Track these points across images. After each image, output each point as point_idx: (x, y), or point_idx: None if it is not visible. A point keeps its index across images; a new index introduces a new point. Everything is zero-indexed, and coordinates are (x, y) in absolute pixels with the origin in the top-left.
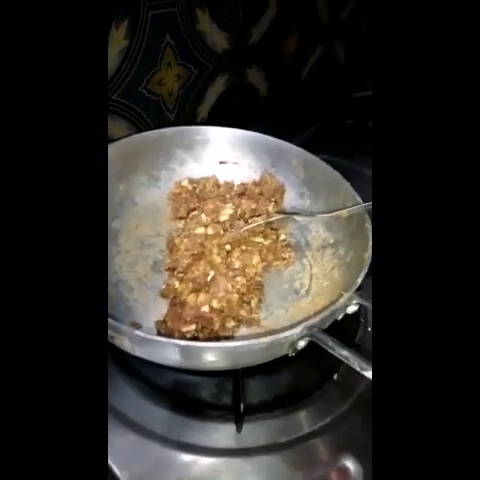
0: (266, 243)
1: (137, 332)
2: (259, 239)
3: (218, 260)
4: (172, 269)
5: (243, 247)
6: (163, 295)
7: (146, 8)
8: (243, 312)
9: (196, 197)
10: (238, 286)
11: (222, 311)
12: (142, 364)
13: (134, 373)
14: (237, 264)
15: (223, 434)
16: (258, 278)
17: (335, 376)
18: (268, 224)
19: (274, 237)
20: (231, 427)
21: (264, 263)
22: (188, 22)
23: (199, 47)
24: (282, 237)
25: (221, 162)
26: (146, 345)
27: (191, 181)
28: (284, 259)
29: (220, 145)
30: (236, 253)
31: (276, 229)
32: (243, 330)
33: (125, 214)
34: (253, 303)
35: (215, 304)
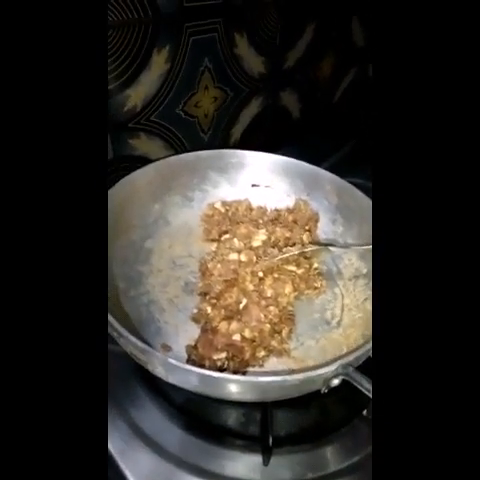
0: (299, 272)
1: (171, 360)
2: (292, 267)
3: (251, 287)
4: (204, 294)
5: (276, 275)
6: (195, 320)
7: (188, 34)
8: (274, 342)
9: (228, 220)
10: (271, 316)
11: (253, 341)
12: (171, 387)
13: (163, 395)
14: (269, 292)
15: (248, 465)
16: (289, 307)
17: (364, 412)
18: (301, 253)
19: (307, 266)
20: (256, 458)
21: (296, 292)
22: (226, 47)
23: (236, 71)
24: (315, 265)
25: (254, 185)
26: (178, 372)
27: (224, 203)
28: (316, 288)
29: (254, 169)
30: (269, 281)
31: (309, 258)
32: (273, 360)
33: (158, 234)
34: (284, 333)
35: (247, 333)
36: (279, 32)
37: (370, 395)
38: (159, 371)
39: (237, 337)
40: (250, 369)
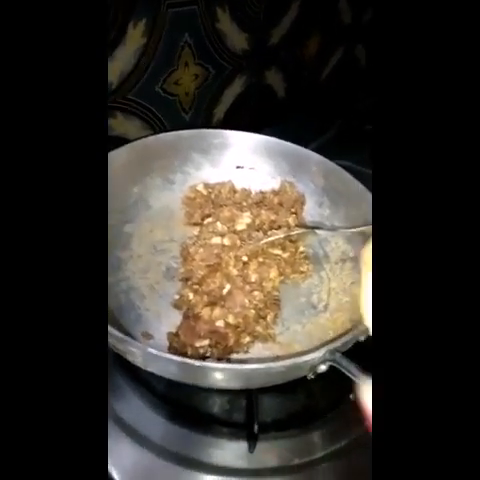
0: (285, 256)
1: (150, 350)
2: (277, 251)
3: (234, 272)
4: (186, 279)
5: (260, 259)
6: (176, 306)
7: (166, 6)
8: (259, 328)
9: (211, 203)
10: (255, 301)
11: (237, 327)
12: (154, 376)
13: (144, 384)
14: (254, 277)
15: (233, 453)
16: (275, 292)
17: (351, 396)
18: (287, 236)
19: (293, 250)
20: (242, 446)
21: (282, 277)
22: (208, 21)
23: (218, 47)
24: (301, 249)
25: (238, 167)
26: (158, 361)
27: (206, 186)
28: (302, 272)
29: (238, 150)
30: (253, 265)
31: (295, 241)
32: (258, 346)
33: (138, 218)
34: (269, 318)
35: (231, 320)
36: (263, 8)
37: (357, 380)
38: (139, 361)
39: (220, 323)
40: (234, 356)
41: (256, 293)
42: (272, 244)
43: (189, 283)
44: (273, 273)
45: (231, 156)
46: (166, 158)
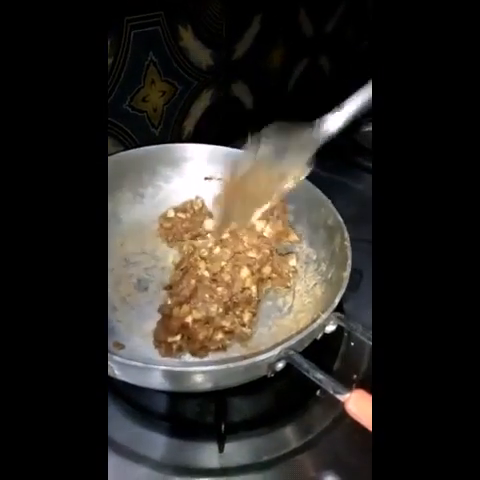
0: (258, 257)
1: (116, 357)
2: (252, 254)
3: (206, 274)
4: (169, 287)
5: (235, 262)
6: (160, 313)
7: (129, 27)
8: (226, 323)
9: (188, 221)
10: (217, 295)
11: (206, 322)
12: (125, 384)
13: (116, 391)
14: (227, 278)
15: (206, 454)
16: (249, 292)
17: (318, 392)
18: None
19: (267, 251)
20: (214, 447)
21: (254, 276)
22: (171, 40)
23: (183, 64)
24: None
25: (206, 178)
26: (126, 369)
27: (176, 210)
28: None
29: (204, 161)
30: (227, 268)
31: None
32: (236, 346)
33: (110, 232)
34: (246, 317)
35: (195, 314)
36: (225, 24)
37: (310, 377)
38: (111, 371)
39: (189, 319)
40: (210, 358)
41: (219, 289)
42: (245, 248)
43: (169, 290)
44: (244, 273)
45: (198, 168)
46: (136, 173)
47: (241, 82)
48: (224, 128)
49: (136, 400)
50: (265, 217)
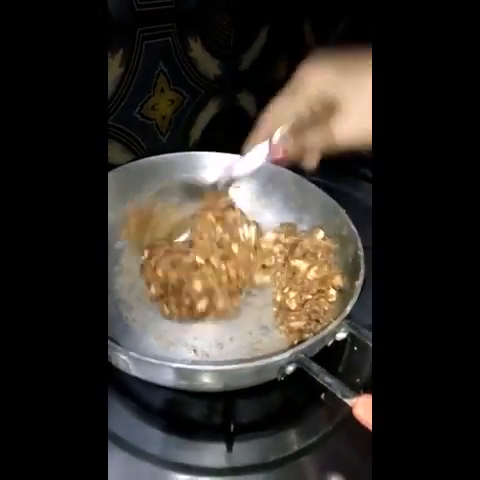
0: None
1: (132, 353)
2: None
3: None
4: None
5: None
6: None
7: (141, 38)
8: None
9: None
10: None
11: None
12: (134, 383)
13: (125, 392)
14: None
15: (214, 454)
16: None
17: (322, 396)
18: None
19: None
20: (222, 447)
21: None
22: (181, 50)
23: (191, 73)
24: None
25: None
26: (140, 365)
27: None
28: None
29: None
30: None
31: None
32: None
33: None
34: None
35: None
36: (233, 35)
37: (320, 381)
38: (122, 365)
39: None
40: (210, 358)
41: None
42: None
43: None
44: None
45: (216, 176)
46: (156, 179)
47: (247, 92)
48: (229, 137)
49: (145, 399)
50: (308, 259)
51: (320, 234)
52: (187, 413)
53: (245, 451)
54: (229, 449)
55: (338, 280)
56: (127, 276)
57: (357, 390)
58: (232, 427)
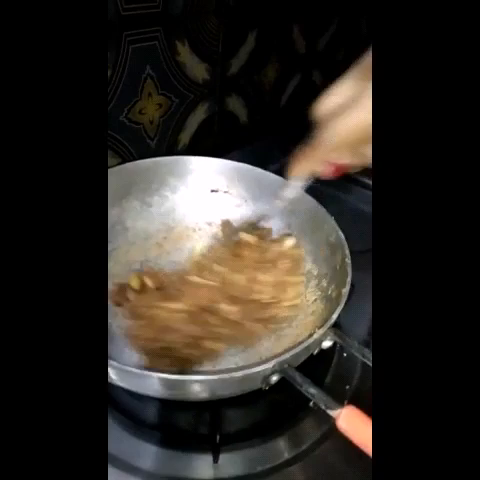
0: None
1: (113, 362)
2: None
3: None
4: None
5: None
6: None
7: (127, 42)
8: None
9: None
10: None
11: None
12: (119, 394)
13: (110, 402)
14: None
15: (201, 464)
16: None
17: (311, 404)
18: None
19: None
20: (208, 457)
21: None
22: (168, 54)
23: (179, 78)
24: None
25: (213, 190)
26: (122, 375)
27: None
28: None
29: (211, 174)
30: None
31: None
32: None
33: (116, 239)
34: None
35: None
36: (221, 39)
37: (303, 391)
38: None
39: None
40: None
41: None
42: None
43: None
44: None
45: (205, 180)
46: (144, 182)
47: (236, 96)
48: (219, 141)
49: (130, 410)
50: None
51: (289, 241)
52: (173, 423)
53: (232, 462)
54: (215, 460)
55: (291, 292)
56: (113, 280)
57: (344, 399)
58: (218, 438)
